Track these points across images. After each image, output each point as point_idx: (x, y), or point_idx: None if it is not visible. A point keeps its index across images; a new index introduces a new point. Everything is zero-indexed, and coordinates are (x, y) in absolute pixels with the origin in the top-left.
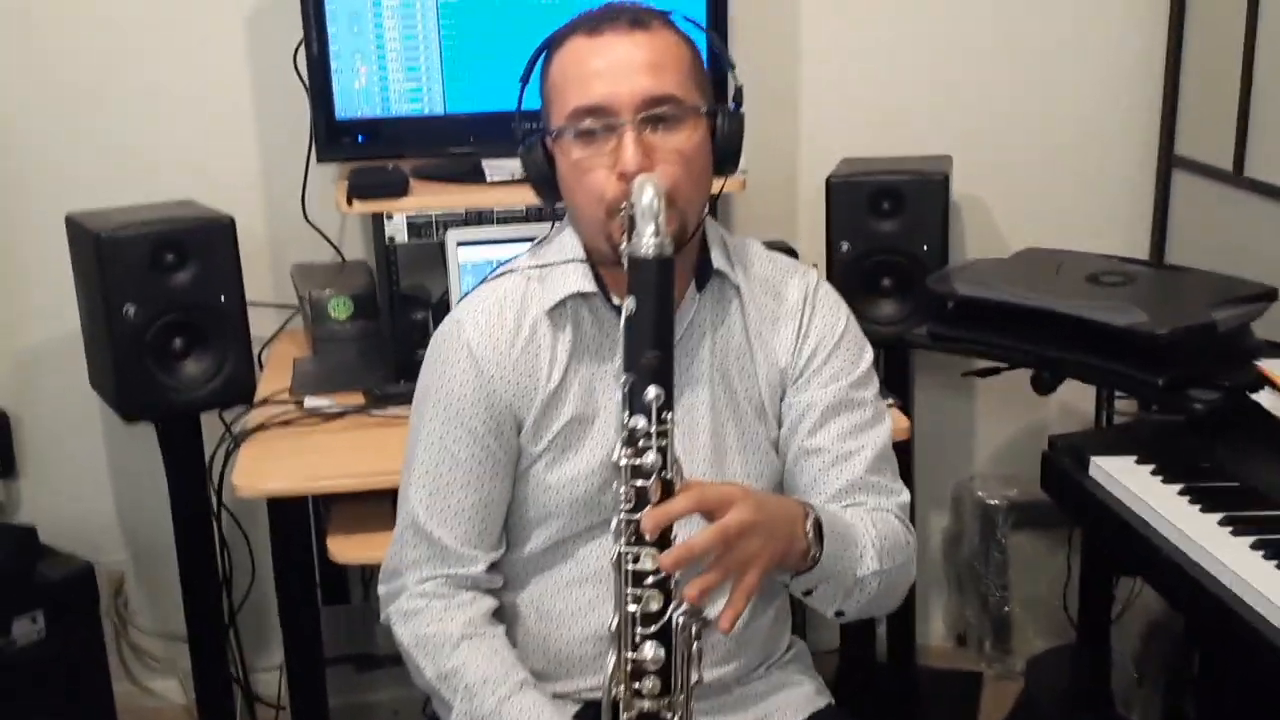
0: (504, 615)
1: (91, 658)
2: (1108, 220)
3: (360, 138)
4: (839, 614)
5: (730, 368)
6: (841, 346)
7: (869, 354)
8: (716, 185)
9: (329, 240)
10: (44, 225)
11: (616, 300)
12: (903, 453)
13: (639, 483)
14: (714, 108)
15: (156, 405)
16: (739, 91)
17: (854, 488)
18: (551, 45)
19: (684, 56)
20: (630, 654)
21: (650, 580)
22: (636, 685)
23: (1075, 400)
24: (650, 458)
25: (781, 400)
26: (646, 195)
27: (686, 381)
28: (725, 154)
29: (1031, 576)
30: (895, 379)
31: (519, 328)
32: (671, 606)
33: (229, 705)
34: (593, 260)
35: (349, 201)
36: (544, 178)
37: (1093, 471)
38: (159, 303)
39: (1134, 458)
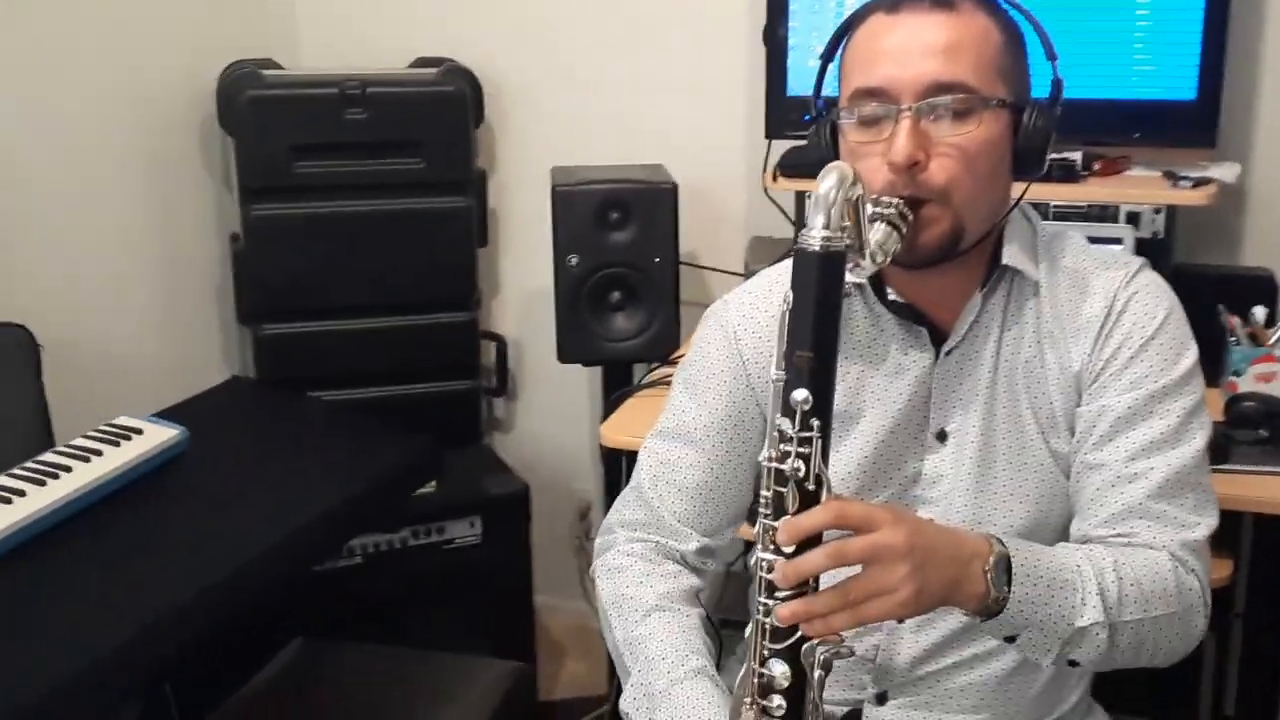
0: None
1: (518, 568)
2: None
3: (806, 116)
4: (1072, 663)
5: (1017, 373)
6: (1151, 348)
7: (1188, 361)
8: (1019, 188)
9: (786, 215)
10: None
11: (893, 296)
12: None
13: (778, 488)
14: (1022, 101)
15: (587, 351)
16: (1057, 86)
17: (1129, 514)
18: (853, 22)
19: (991, 42)
20: (757, 667)
21: (782, 594)
22: (764, 702)
23: None
24: (790, 463)
25: (1078, 407)
26: (826, 183)
27: (962, 389)
28: (1026, 153)
29: None
30: None
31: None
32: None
33: None
34: None
35: (774, 178)
36: (825, 161)
37: None
38: (600, 256)
39: None
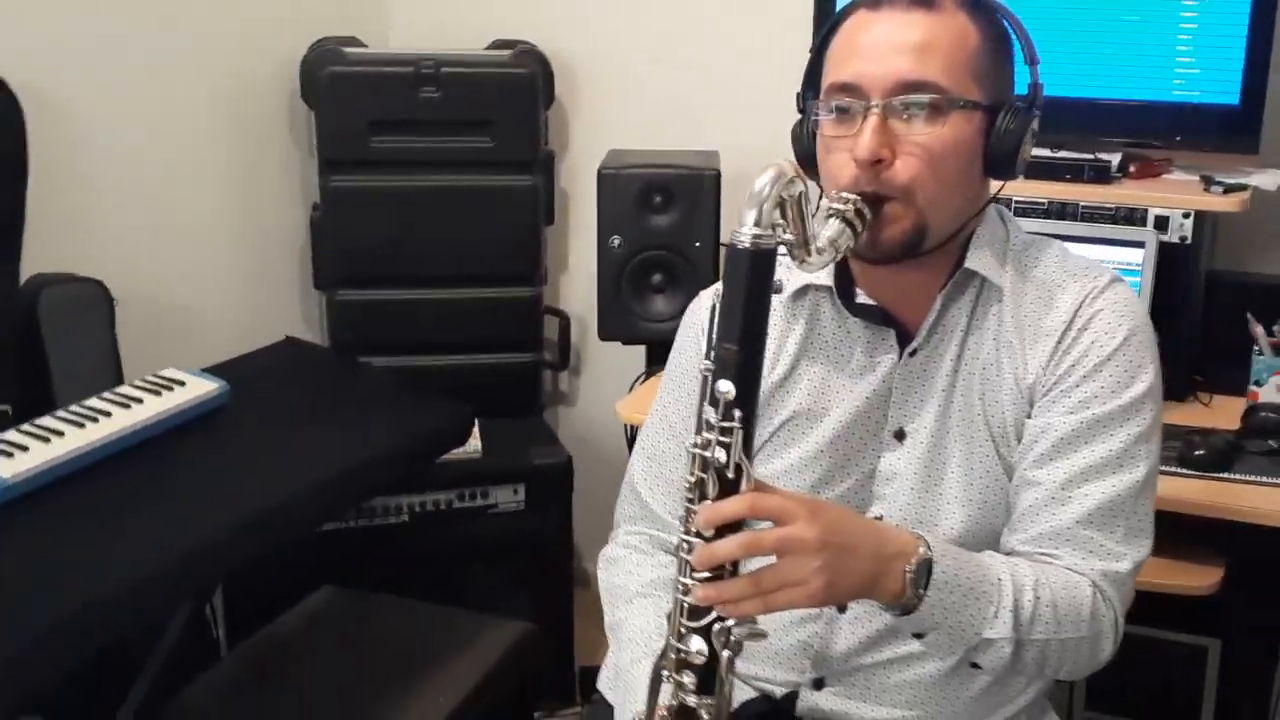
0: None
1: (559, 536)
2: None
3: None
4: (975, 665)
5: (974, 378)
6: (1105, 369)
7: (1142, 386)
8: (995, 187)
9: None
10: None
11: (861, 298)
12: None
13: (698, 474)
14: (995, 103)
15: (627, 330)
16: (1034, 89)
17: (1056, 537)
18: (841, 16)
19: (968, 43)
20: (675, 642)
21: (699, 575)
22: (679, 677)
23: None
24: (712, 451)
25: (1027, 419)
26: (760, 180)
27: (922, 390)
28: (997, 155)
29: None
30: None
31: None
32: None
33: None
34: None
35: None
36: (806, 154)
37: None
38: (642, 239)
39: None
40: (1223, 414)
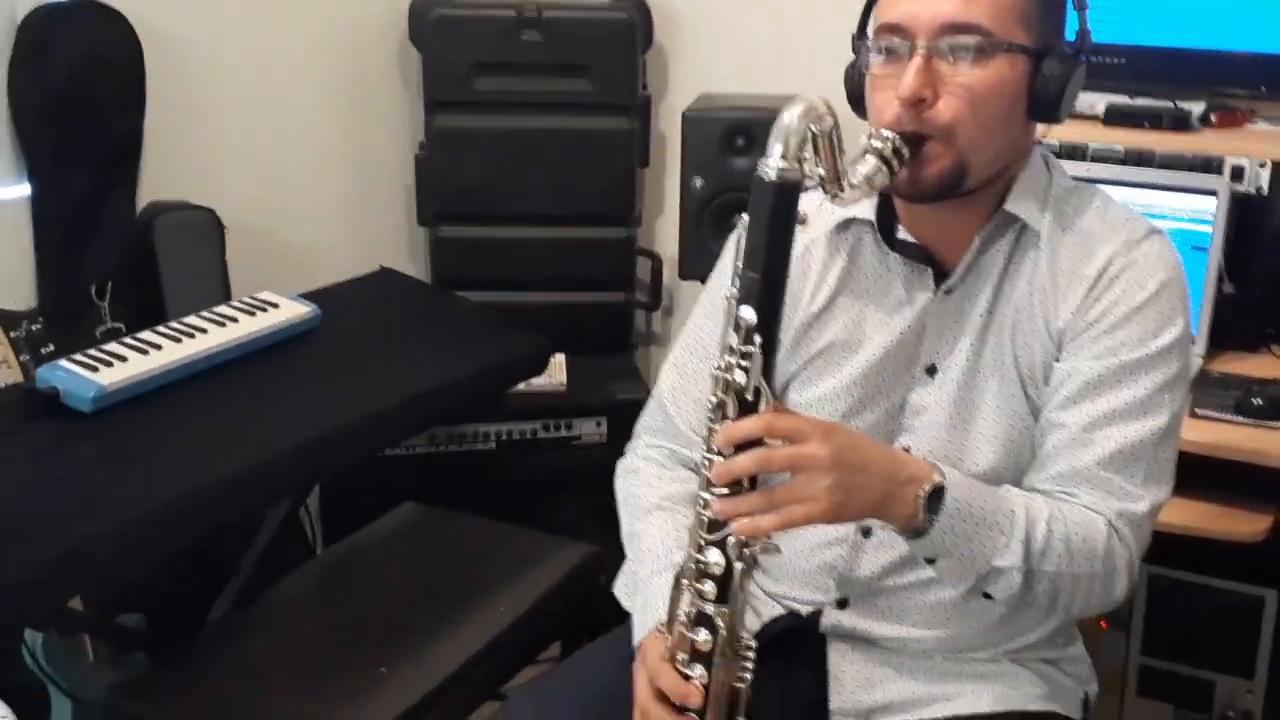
0: None
1: None
2: None
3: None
4: (987, 596)
5: (1007, 320)
6: (1135, 319)
7: (1170, 336)
8: (1041, 131)
9: None
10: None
11: (902, 234)
12: None
13: (720, 395)
14: (1042, 48)
15: (706, 271)
16: (1081, 36)
17: (1076, 476)
18: None
19: None
20: (694, 554)
21: (717, 490)
22: (698, 585)
23: None
24: (733, 374)
25: (1056, 362)
26: (789, 113)
27: (955, 328)
28: (1040, 99)
29: None
30: None
31: (796, 241)
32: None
33: None
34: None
35: None
36: (856, 93)
37: None
38: (724, 179)
39: None
40: None
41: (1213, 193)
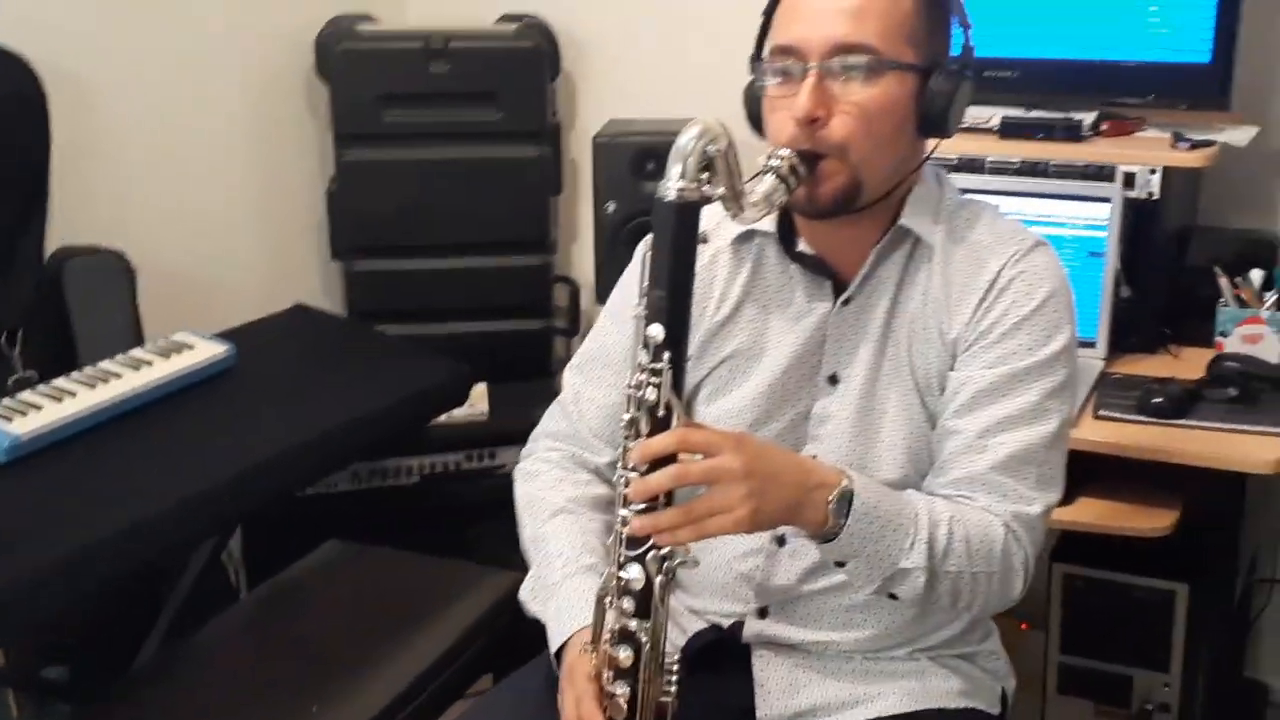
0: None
1: None
2: None
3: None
4: (892, 596)
5: (903, 331)
6: (1024, 328)
7: (1058, 344)
8: (930, 146)
9: None
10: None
11: (801, 246)
12: None
13: (633, 413)
14: (929, 65)
15: None
16: (966, 52)
17: (973, 481)
18: None
19: (904, 7)
20: (615, 570)
21: (638, 506)
22: (620, 602)
23: None
24: (644, 392)
25: (950, 371)
26: (685, 135)
27: (854, 338)
28: (929, 115)
29: None
30: None
31: (701, 253)
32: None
33: None
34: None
35: None
36: (755, 114)
37: None
38: (637, 203)
39: None
40: (1190, 366)
41: (1107, 200)
